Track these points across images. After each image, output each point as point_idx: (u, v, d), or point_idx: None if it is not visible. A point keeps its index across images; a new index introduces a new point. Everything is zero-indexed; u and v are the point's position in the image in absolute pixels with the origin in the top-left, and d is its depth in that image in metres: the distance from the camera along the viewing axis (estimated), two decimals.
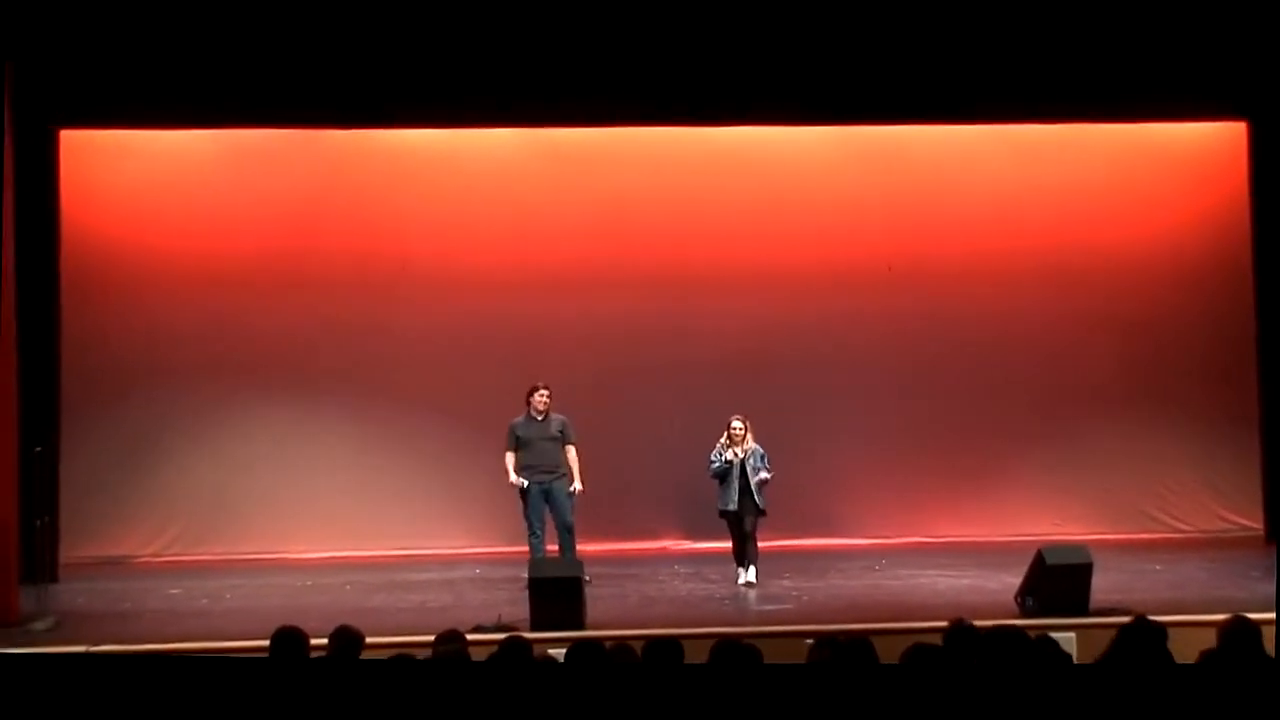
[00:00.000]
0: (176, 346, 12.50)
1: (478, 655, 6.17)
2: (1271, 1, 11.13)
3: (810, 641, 6.29)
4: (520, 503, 10.77)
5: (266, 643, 6.17)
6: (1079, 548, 9.50)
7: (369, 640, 6.44)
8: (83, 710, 4.12)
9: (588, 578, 9.52)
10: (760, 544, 10.77)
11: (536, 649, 6.13)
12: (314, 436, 12.70)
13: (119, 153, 12.54)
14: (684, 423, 12.19)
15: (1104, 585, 9.21)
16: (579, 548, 10.72)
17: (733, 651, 5.53)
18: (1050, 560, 9.15)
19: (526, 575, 9.27)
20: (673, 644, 5.79)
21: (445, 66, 11.47)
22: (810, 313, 12.92)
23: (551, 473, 10.76)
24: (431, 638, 6.46)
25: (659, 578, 11.22)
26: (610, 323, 12.83)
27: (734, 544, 10.85)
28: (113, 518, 12.33)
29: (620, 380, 12.68)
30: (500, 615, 8.97)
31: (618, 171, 13.04)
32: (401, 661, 5.29)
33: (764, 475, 10.64)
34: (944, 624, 6.17)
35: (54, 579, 10.76)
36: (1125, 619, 6.32)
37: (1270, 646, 5.90)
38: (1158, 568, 11.13)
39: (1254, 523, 12.75)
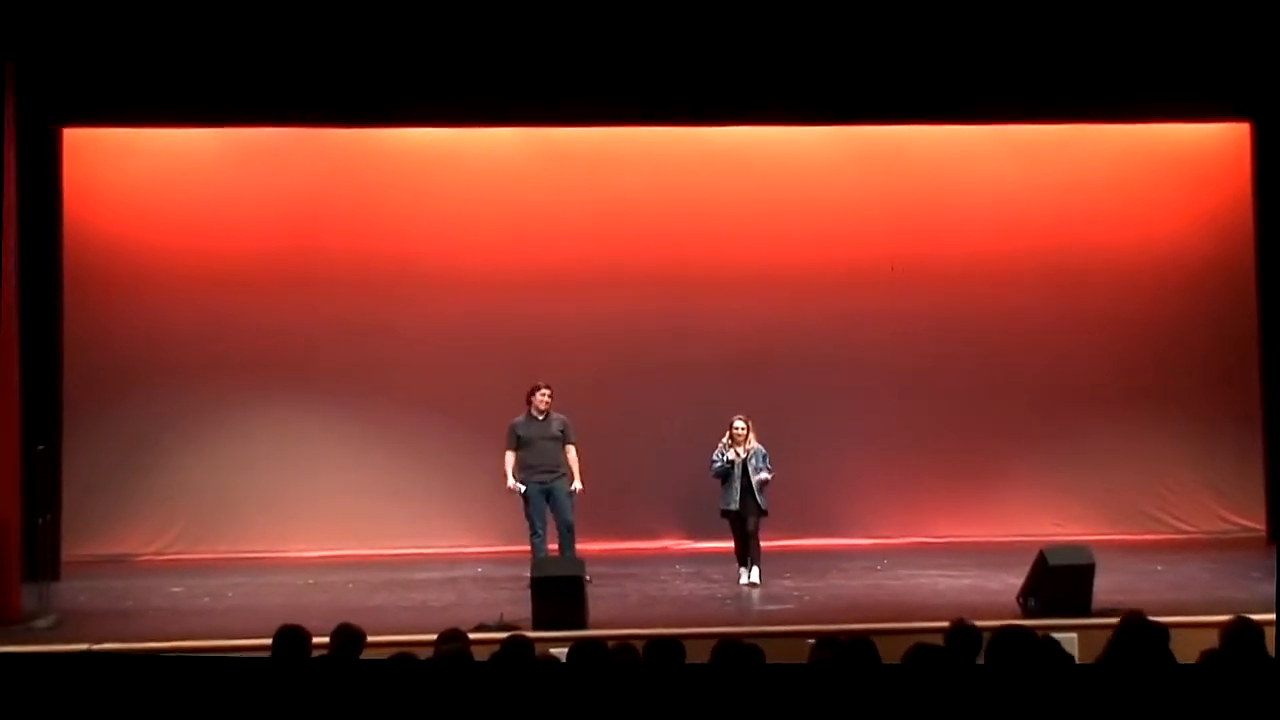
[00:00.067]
0: (179, 345, 12.51)
1: (480, 654, 6.17)
2: (1275, 1, 11.12)
3: (812, 641, 6.29)
4: (521, 502, 10.77)
5: (268, 641, 6.18)
6: (1081, 548, 9.50)
7: (371, 639, 6.45)
8: (84, 709, 4.12)
9: (588, 577, 9.52)
10: (761, 544, 10.77)
11: (538, 648, 6.14)
12: (316, 435, 12.71)
13: (121, 151, 12.56)
14: (685, 423, 12.19)
15: (1106, 586, 9.21)
16: (578, 547, 10.72)
17: (734, 651, 5.53)
18: (1052, 561, 9.15)
19: (528, 574, 9.27)
20: (674, 644, 5.80)
21: (446, 66, 11.47)
22: (811, 313, 12.92)
23: (552, 472, 10.76)
24: (433, 637, 6.47)
25: (661, 577, 11.22)
26: (611, 322, 12.83)
27: (735, 544, 10.85)
28: (115, 516, 12.34)
29: (621, 380, 12.68)
30: (502, 614, 8.98)
31: (618, 171, 13.04)
32: (403, 660, 5.29)
33: (765, 475, 10.63)
34: (945, 624, 6.18)
35: (56, 577, 10.76)
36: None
37: (1272, 647, 5.91)
38: (1159, 568, 11.13)
39: (1256, 524, 12.75)
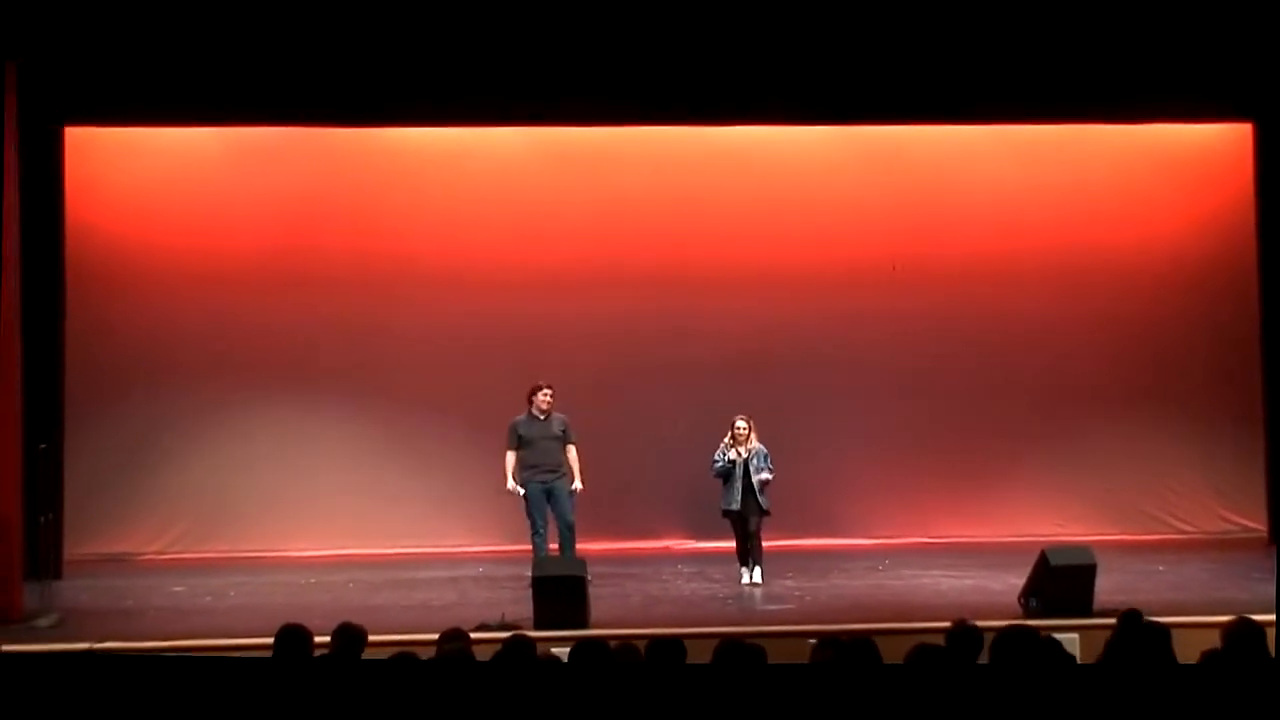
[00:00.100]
0: (180, 344, 12.52)
1: (481, 654, 6.19)
2: (1277, 1, 11.11)
3: (813, 641, 6.29)
4: (522, 502, 10.77)
5: (270, 640, 6.19)
6: (1083, 549, 9.50)
7: (373, 639, 6.45)
8: (86, 708, 4.12)
9: (589, 577, 9.51)
10: (763, 544, 10.76)
11: (540, 648, 6.14)
12: (318, 434, 12.72)
13: (123, 150, 12.56)
14: (686, 423, 12.20)
15: (1107, 586, 9.21)
16: (579, 546, 10.71)
17: (736, 651, 5.54)
18: (1054, 561, 9.14)
19: (530, 574, 9.27)
20: (676, 643, 5.80)
21: (447, 66, 11.47)
22: (811, 313, 12.93)
23: (554, 472, 10.76)
24: (435, 636, 6.48)
25: (662, 577, 11.22)
26: (611, 322, 12.84)
27: (737, 544, 10.85)
28: (116, 515, 12.34)
29: (621, 380, 12.68)
30: (504, 614, 8.97)
31: (619, 171, 13.05)
32: (405, 660, 5.30)
33: (765, 475, 10.63)
34: (947, 624, 6.18)
35: (58, 576, 10.78)
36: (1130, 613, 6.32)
37: (1273, 648, 5.91)
38: (1160, 569, 11.13)
39: (1257, 524, 12.75)
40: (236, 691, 4.17)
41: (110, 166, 12.52)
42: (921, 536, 12.76)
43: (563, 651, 6.11)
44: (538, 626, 8.53)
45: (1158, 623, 6.02)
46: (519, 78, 11.55)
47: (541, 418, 10.81)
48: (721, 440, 10.79)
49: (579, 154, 12.99)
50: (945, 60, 11.70)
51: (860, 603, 10.00)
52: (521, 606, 9.13)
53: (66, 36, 10.93)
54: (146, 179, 12.62)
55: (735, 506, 10.69)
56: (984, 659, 5.69)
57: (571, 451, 10.82)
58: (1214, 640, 5.77)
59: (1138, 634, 5.98)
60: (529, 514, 10.72)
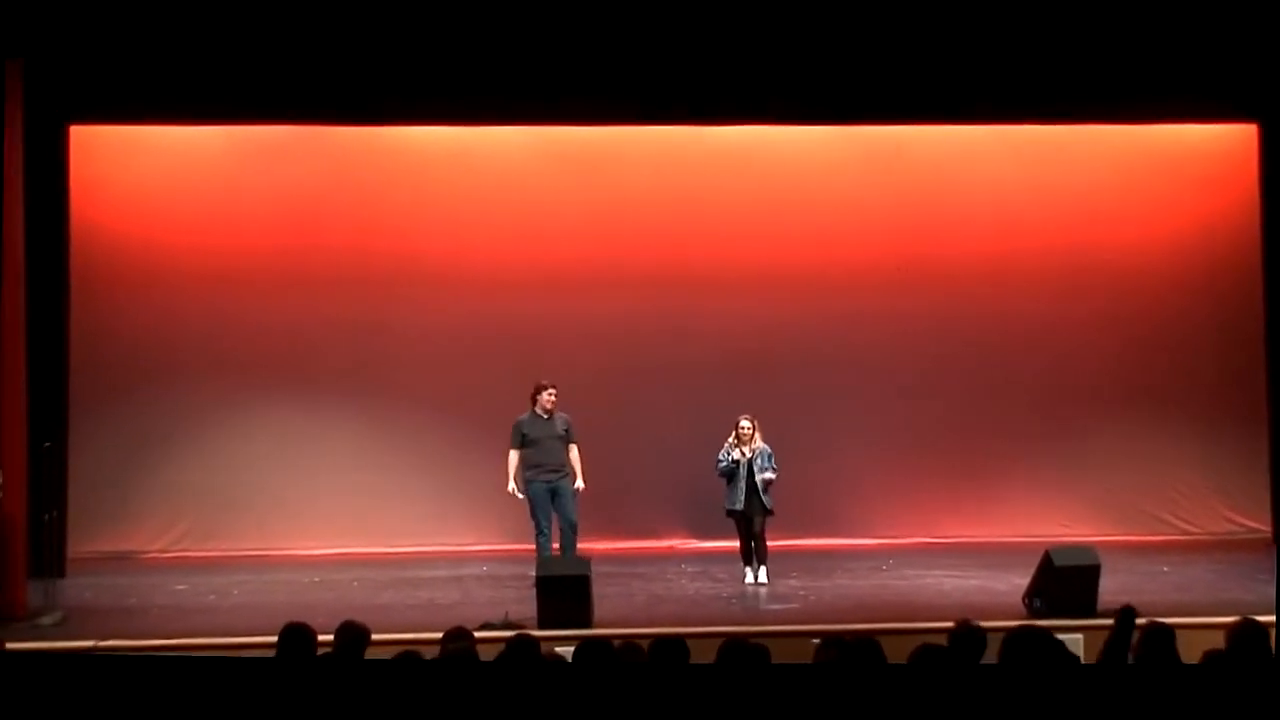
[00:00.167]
0: (185, 342, 12.54)
1: (485, 653, 6.18)
2: None
3: (817, 641, 6.28)
4: (526, 505, 10.76)
5: (273, 639, 6.19)
6: (1087, 549, 9.49)
7: (376, 638, 6.45)
8: (89, 706, 4.12)
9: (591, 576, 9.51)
10: (767, 544, 10.76)
11: (544, 647, 6.13)
12: (321, 433, 12.73)
13: (128, 148, 12.58)
14: (688, 422, 12.20)
15: (1111, 587, 9.19)
16: (582, 546, 10.71)
17: (740, 651, 5.54)
18: (1058, 561, 9.14)
19: (534, 573, 9.27)
20: (680, 643, 5.80)
21: (449, 65, 11.50)
22: (813, 313, 12.92)
23: (558, 471, 10.75)
24: (439, 635, 6.47)
25: (666, 577, 11.22)
26: (612, 322, 12.84)
27: (741, 543, 10.85)
28: (120, 513, 12.35)
29: (624, 379, 12.69)
30: (508, 613, 8.97)
31: (620, 171, 13.05)
32: (408, 659, 5.30)
33: (768, 475, 10.63)
34: (950, 625, 6.17)
35: (61, 574, 10.80)
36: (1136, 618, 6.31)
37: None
38: (1165, 569, 11.12)
39: (1261, 525, 12.74)
40: (239, 690, 4.16)
41: (114, 165, 12.53)
42: (925, 536, 12.75)
43: (566, 651, 6.11)
44: (541, 626, 8.54)
45: (1162, 623, 6.01)
46: (521, 77, 11.56)
47: (546, 417, 10.80)
48: (725, 440, 10.79)
49: (580, 154, 12.99)
50: (945, 60, 11.71)
51: (864, 603, 9.99)
52: (525, 606, 9.14)
53: (71, 35, 10.97)
54: (151, 177, 12.63)
55: (739, 506, 10.69)
56: (992, 659, 5.68)
57: (574, 451, 10.82)
58: (1218, 641, 5.77)
59: (1134, 630, 6.00)
60: (534, 517, 10.71)
